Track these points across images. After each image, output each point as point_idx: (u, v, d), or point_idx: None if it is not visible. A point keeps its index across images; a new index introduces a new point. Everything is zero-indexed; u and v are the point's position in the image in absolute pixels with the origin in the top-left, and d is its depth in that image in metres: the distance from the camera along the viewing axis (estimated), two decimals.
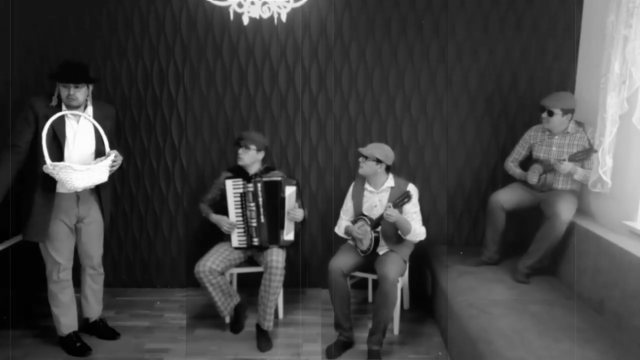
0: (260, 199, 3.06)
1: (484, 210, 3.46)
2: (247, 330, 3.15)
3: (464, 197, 3.63)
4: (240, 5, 2.22)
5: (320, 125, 3.57)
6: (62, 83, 2.62)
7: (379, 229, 2.92)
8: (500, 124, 3.53)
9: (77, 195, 2.78)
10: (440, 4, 3.39)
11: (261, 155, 3.16)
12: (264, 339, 2.99)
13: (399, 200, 2.81)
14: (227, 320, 3.22)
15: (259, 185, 3.04)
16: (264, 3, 2.22)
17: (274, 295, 2.97)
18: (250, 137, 3.12)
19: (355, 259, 2.98)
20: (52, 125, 2.54)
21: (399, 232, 2.92)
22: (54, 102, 2.66)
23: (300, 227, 3.22)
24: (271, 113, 3.57)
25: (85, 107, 2.74)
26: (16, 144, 2.62)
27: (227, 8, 2.23)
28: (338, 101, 3.54)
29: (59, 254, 2.78)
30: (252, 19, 2.26)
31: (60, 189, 2.69)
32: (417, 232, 2.92)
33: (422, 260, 3.53)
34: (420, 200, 3.08)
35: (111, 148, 2.74)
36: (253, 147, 3.09)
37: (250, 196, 3.06)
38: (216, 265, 2.96)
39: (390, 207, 2.77)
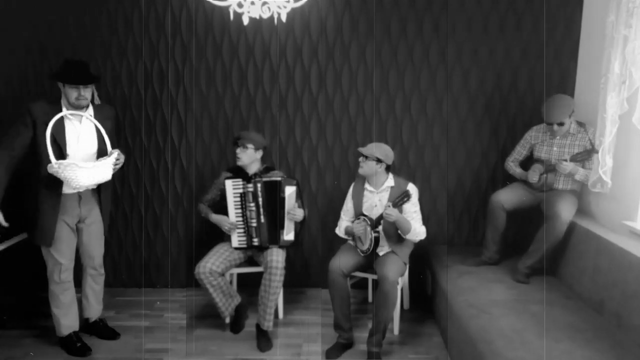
0: (260, 199, 3.06)
1: (484, 210, 3.46)
2: (247, 330, 3.15)
3: (464, 197, 3.63)
4: (240, 5, 2.22)
5: (320, 125, 3.57)
6: (73, 85, 2.61)
7: (379, 228, 2.92)
8: (500, 124, 3.53)
9: (79, 196, 2.78)
10: (440, 4, 3.39)
11: (259, 154, 3.16)
12: (264, 339, 2.99)
13: (399, 199, 2.81)
14: (228, 320, 3.22)
15: (258, 185, 3.04)
16: (264, 3, 2.22)
17: (274, 295, 2.97)
18: (249, 136, 3.12)
19: (355, 259, 2.98)
20: (46, 125, 2.53)
21: (399, 231, 2.92)
22: (69, 107, 2.65)
23: (300, 227, 3.22)
24: (271, 113, 3.57)
25: (86, 107, 2.74)
26: (10, 146, 2.58)
27: (227, 8, 2.23)
28: (338, 101, 3.54)
29: (61, 255, 2.78)
30: (252, 19, 2.26)
31: (64, 189, 2.69)
32: (417, 231, 2.92)
33: (422, 260, 3.53)
34: (420, 200, 3.08)
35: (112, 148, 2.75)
36: (251, 146, 3.09)
37: (250, 196, 3.06)
38: (216, 267, 2.96)
39: (390, 206, 2.77)
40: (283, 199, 3.05)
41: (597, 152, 2.81)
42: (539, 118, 3.15)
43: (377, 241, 2.90)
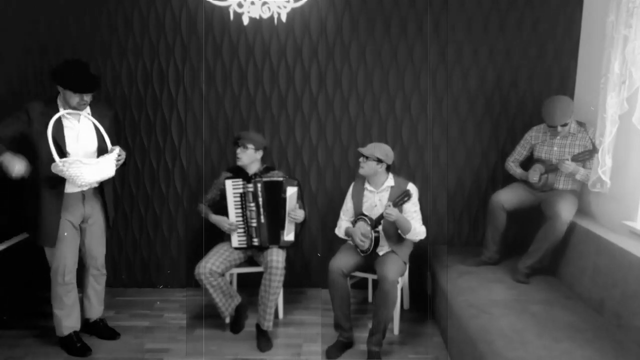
0: (260, 199, 3.06)
1: (484, 210, 3.46)
2: (247, 330, 3.16)
3: (464, 197, 3.63)
4: (240, 5, 2.22)
5: (320, 125, 3.57)
6: (75, 92, 2.60)
7: (379, 228, 2.92)
8: (500, 124, 3.53)
9: (83, 194, 2.78)
10: (440, 4, 3.39)
11: (259, 154, 3.16)
12: (264, 339, 2.99)
13: (399, 199, 2.81)
14: (228, 320, 3.22)
15: (258, 185, 3.04)
16: (264, 3, 2.22)
17: (274, 295, 2.97)
18: (248, 136, 3.12)
19: (355, 259, 2.98)
20: (43, 125, 2.52)
21: (399, 231, 2.92)
22: (66, 106, 2.64)
23: (300, 228, 3.22)
24: (271, 113, 3.57)
25: None
26: (2, 133, 2.53)
27: (227, 8, 2.23)
28: (338, 101, 3.54)
29: (65, 256, 2.77)
30: (252, 19, 2.26)
31: (68, 189, 2.69)
32: (417, 231, 2.92)
33: (422, 260, 3.53)
34: (420, 200, 3.08)
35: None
36: (251, 146, 3.09)
37: (250, 196, 3.06)
38: (216, 267, 2.96)
39: (390, 206, 2.77)
40: (284, 200, 3.05)
41: (597, 151, 2.81)
42: (539, 118, 3.15)
43: (377, 241, 2.90)
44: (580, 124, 3.08)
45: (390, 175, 3.04)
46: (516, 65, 3.44)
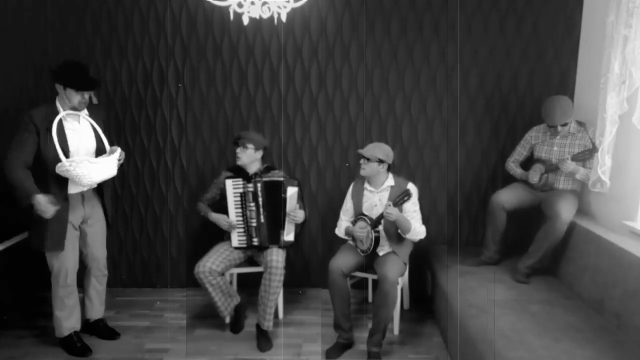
0: (260, 199, 3.06)
1: (484, 210, 3.46)
2: (247, 330, 3.15)
3: (464, 197, 3.63)
4: (240, 5, 2.21)
5: (320, 125, 3.57)
6: (78, 90, 2.62)
7: (379, 228, 2.92)
8: (500, 124, 3.53)
9: (83, 195, 2.78)
10: (440, 4, 3.39)
11: (259, 154, 3.16)
12: (264, 339, 2.99)
13: (399, 198, 2.81)
14: (227, 320, 3.22)
15: (259, 185, 3.04)
16: (264, 3, 2.22)
17: (274, 295, 2.97)
18: (248, 136, 3.12)
19: (355, 259, 2.98)
20: (50, 130, 2.53)
21: (399, 231, 2.92)
22: (66, 108, 2.64)
23: (300, 228, 3.22)
24: (271, 113, 3.57)
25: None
26: (22, 153, 2.55)
27: (227, 8, 2.23)
28: (338, 101, 3.54)
29: (67, 258, 2.76)
30: (252, 19, 2.26)
31: (70, 189, 2.69)
32: (417, 230, 2.91)
33: (422, 260, 3.53)
34: (420, 200, 3.08)
35: None
36: (251, 146, 3.09)
37: (250, 196, 3.06)
38: (216, 266, 2.96)
39: (390, 205, 2.77)
40: (284, 200, 3.05)
41: (597, 150, 2.81)
42: (539, 118, 3.15)
43: (377, 241, 2.90)
44: (580, 123, 3.08)
45: (390, 175, 3.04)
46: (516, 65, 3.44)
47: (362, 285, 3.51)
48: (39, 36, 3.45)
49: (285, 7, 2.25)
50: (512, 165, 3.32)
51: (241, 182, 3.07)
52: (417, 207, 2.98)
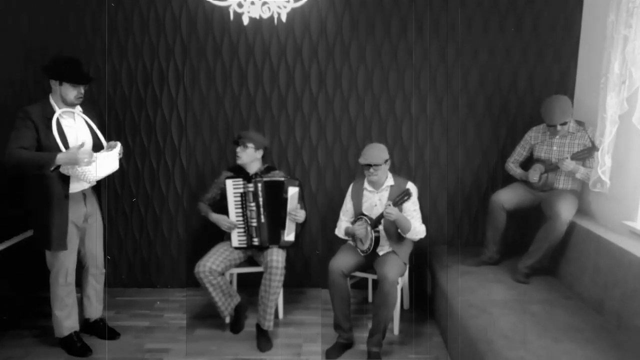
0: (261, 199, 3.06)
1: (484, 210, 3.46)
2: (247, 330, 3.16)
3: (464, 197, 3.63)
4: (240, 5, 2.22)
5: (320, 125, 3.57)
6: (74, 84, 2.62)
7: (379, 228, 2.92)
8: (500, 124, 3.53)
9: (84, 194, 2.78)
10: (440, 4, 3.39)
11: (260, 154, 3.16)
12: (264, 339, 2.99)
13: (399, 198, 2.80)
14: (227, 320, 3.22)
15: (259, 185, 3.04)
16: (264, 3, 2.22)
17: (274, 295, 2.97)
18: (249, 135, 3.12)
19: (355, 259, 2.98)
20: (47, 127, 2.53)
21: (399, 230, 2.92)
22: (60, 104, 2.64)
23: (300, 228, 3.22)
24: (271, 113, 3.57)
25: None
26: (23, 145, 2.51)
27: (227, 8, 2.24)
28: (338, 101, 3.54)
29: (68, 258, 2.76)
30: (252, 19, 2.26)
31: (72, 188, 2.69)
32: (417, 230, 2.92)
33: (422, 260, 3.53)
34: (420, 200, 3.08)
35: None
36: (251, 145, 3.09)
37: (251, 196, 3.06)
38: (216, 266, 2.96)
39: (390, 205, 2.77)
40: (285, 200, 3.04)
41: (597, 149, 2.81)
42: (539, 118, 3.15)
43: (377, 241, 2.90)
44: (580, 123, 3.08)
45: (390, 175, 3.04)
46: (516, 65, 3.44)
47: (362, 285, 3.51)
48: (39, 36, 3.45)
49: (285, 7, 2.25)
50: (512, 166, 3.32)
51: (241, 182, 3.07)
52: (417, 207, 2.98)
